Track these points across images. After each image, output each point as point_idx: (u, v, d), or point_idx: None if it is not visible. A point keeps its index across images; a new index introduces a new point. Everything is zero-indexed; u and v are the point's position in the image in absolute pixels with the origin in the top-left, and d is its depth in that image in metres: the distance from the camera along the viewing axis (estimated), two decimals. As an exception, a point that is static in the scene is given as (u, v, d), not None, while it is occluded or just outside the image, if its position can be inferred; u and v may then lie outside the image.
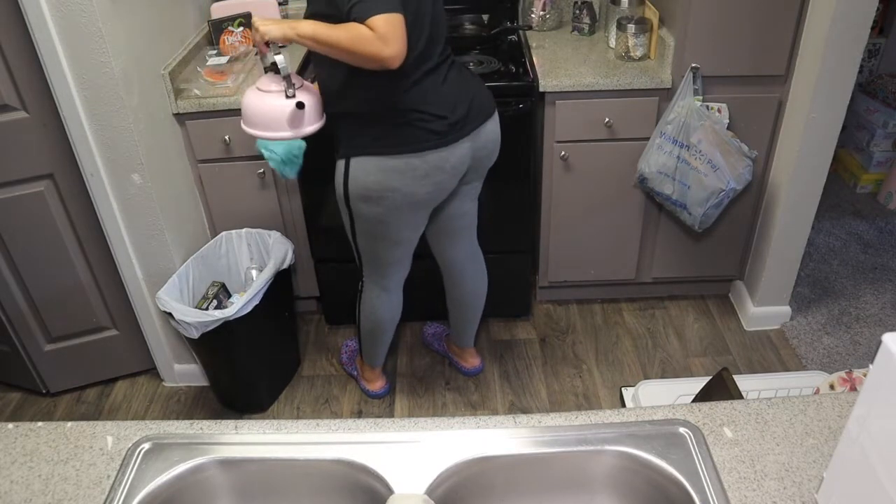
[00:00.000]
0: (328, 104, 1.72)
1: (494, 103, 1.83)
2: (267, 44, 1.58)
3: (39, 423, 1.09)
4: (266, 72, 1.64)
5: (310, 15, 1.60)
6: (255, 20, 1.59)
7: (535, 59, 2.32)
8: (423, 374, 2.44)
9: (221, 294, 2.24)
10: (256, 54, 1.67)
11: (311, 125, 1.67)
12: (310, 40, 1.52)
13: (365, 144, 1.67)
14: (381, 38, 1.42)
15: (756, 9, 2.03)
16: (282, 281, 2.25)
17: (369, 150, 1.67)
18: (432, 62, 1.66)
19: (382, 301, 2.04)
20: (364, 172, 1.69)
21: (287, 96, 1.62)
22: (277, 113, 1.63)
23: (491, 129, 1.81)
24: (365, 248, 1.91)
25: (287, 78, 1.61)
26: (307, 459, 1.02)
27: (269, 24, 1.55)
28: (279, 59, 1.59)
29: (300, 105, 1.61)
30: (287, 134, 1.65)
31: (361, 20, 1.43)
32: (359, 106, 1.67)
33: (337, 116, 1.72)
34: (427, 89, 1.65)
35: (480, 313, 2.25)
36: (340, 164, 1.74)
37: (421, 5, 1.60)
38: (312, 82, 1.78)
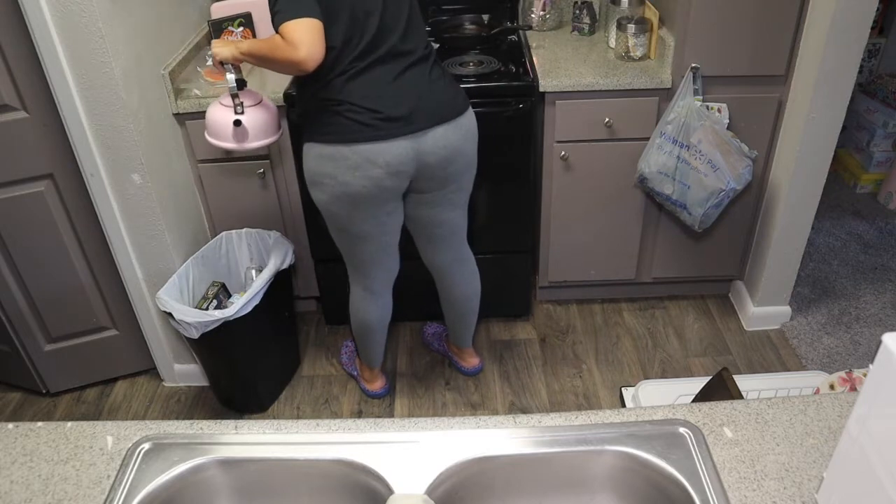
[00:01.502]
0: (296, 105, 1.86)
1: (461, 110, 1.78)
2: (222, 63, 1.76)
3: (39, 423, 1.09)
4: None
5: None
6: (213, 43, 1.77)
7: (535, 59, 2.32)
8: (423, 374, 2.44)
9: (221, 294, 2.24)
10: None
11: (256, 141, 1.84)
12: (248, 56, 1.69)
13: (310, 132, 1.76)
14: (291, 43, 1.53)
15: (756, 9, 2.03)
16: (282, 281, 2.25)
17: (312, 138, 1.75)
18: (375, 58, 1.67)
19: (368, 302, 2.04)
20: (308, 157, 1.78)
21: (236, 112, 1.79)
22: (222, 125, 1.81)
23: (444, 135, 1.74)
24: (338, 242, 1.95)
25: (234, 96, 1.79)
26: (307, 459, 1.02)
27: (221, 47, 1.73)
28: (229, 77, 1.77)
29: (236, 123, 1.79)
30: (231, 145, 1.84)
31: (276, 30, 1.56)
32: (310, 104, 1.75)
33: (301, 112, 1.84)
34: (366, 83, 1.67)
35: (476, 315, 2.25)
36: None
37: (358, 6, 1.62)
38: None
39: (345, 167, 1.71)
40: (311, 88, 1.70)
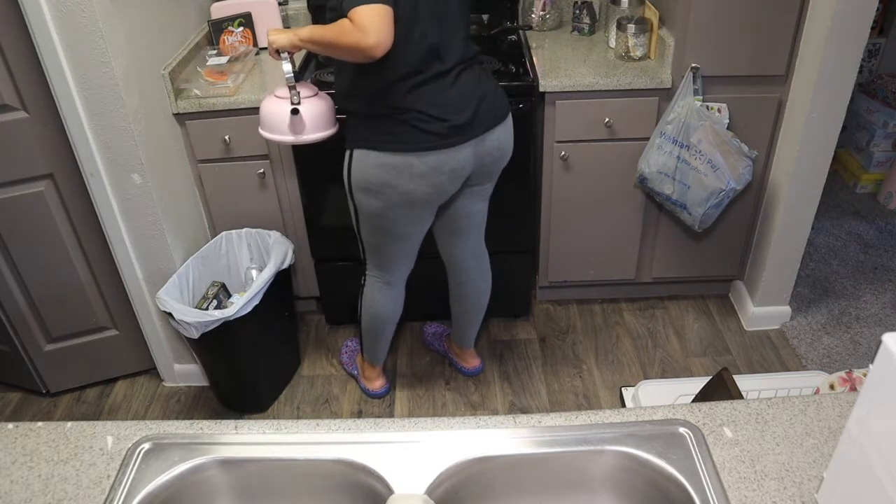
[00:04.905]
0: (338, 103, 1.80)
1: (508, 109, 1.82)
2: (278, 52, 1.70)
3: (39, 423, 1.09)
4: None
5: (328, 10, 1.65)
6: (269, 31, 1.71)
7: (535, 59, 2.32)
8: (423, 374, 2.44)
9: (221, 294, 2.24)
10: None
11: (314, 133, 1.78)
12: (309, 43, 1.63)
13: (367, 138, 1.70)
14: (361, 28, 1.48)
15: (756, 9, 2.03)
16: (282, 281, 2.25)
17: (370, 145, 1.70)
18: (443, 65, 1.66)
19: (384, 295, 2.05)
20: (364, 165, 1.72)
21: (292, 103, 1.72)
22: (279, 117, 1.74)
23: (498, 136, 1.79)
24: (369, 241, 1.92)
25: (292, 87, 1.71)
26: (307, 459, 1.02)
27: (278, 34, 1.68)
28: (286, 67, 1.70)
29: (294, 111, 1.71)
30: (288, 138, 1.77)
31: (345, 14, 1.51)
32: (365, 106, 1.70)
33: (346, 113, 1.78)
34: (431, 91, 1.66)
35: (483, 313, 2.25)
36: (346, 154, 1.77)
37: (421, 7, 1.60)
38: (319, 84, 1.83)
39: (409, 175, 1.70)
40: (369, 93, 1.66)
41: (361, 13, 1.48)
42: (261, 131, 1.84)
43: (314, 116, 1.76)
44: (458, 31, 1.69)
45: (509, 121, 1.83)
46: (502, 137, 1.81)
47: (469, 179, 1.84)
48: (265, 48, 2.32)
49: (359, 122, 1.72)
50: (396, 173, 1.70)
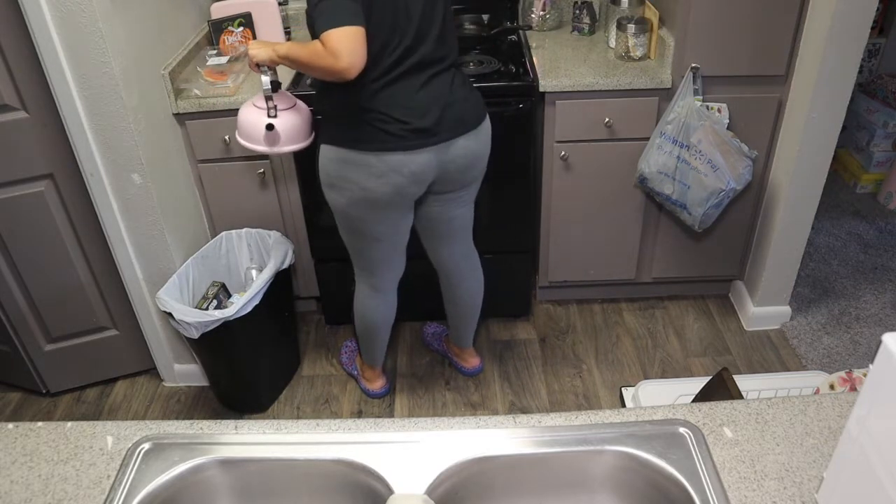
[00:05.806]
0: (314, 101, 1.84)
1: (481, 118, 1.79)
2: (258, 65, 1.74)
3: (39, 423, 1.09)
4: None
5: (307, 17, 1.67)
6: (249, 44, 1.75)
7: (535, 59, 2.32)
8: (423, 374, 2.44)
9: (221, 294, 2.24)
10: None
11: (288, 145, 1.82)
12: (286, 60, 1.67)
13: (332, 135, 1.74)
14: (332, 52, 1.50)
15: (756, 9, 2.03)
16: (282, 281, 2.25)
17: (335, 141, 1.73)
18: (415, 68, 1.66)
19: (373, 301, 2.05)
20: (327, 160, 1.76)
21: (269, 115, 1.77)
22: (255, 127, 1.79)
23: (465, 145, 1.76)
24: (349, 243, 1.95)
25: (269, 98, 1.76)
26: (307, 459, 1.02)
27: (258, 48, 1.71)
28: (264, 80, 1.75)
29: (269, 127, 1.76)
30: (263, 149, 1.82)
31: (318, 35, 1.53)
32: (335, 105, 1.73)
33: (320, 112, 1.82)
34: (397, 93, 1.67)
35: (478, 314, 2.25)
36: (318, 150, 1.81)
37: (401, 12, 1.61)
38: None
39: (368, 174, 1.71)
40: (338, 91, 1.67)
41: (332, 37, 1.49)
42: (237, 137, 1.86)
43: (289, 129, 1.80)
44: (430, 36, 1.67)
45: (482, 130, 1.80)
46: (472, 146, 1.78)
47: (434, 186, 1.82)
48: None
49: (328, 119, 1.76)
50: (354, 168, 1.72)
